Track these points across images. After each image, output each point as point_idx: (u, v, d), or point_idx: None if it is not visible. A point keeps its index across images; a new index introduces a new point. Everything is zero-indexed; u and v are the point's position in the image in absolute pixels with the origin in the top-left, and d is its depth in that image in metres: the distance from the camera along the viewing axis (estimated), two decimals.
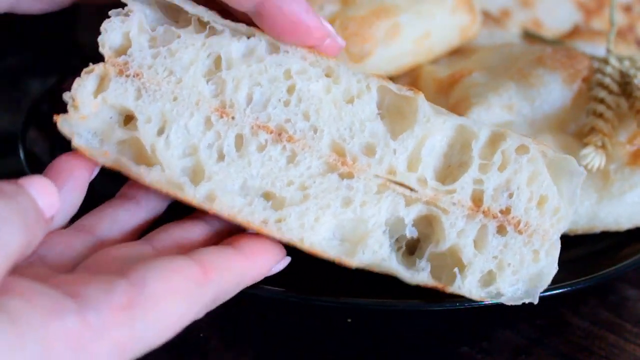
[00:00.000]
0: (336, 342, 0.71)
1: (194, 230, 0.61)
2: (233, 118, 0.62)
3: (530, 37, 0.96)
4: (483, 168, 0.63)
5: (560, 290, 0.67)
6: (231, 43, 0.63)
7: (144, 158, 0.60)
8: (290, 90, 0.63)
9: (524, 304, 0.62)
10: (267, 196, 0.61)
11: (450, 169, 0.64)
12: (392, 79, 0.83)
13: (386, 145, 0.63)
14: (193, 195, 0.59)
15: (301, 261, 0.62)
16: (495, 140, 0.64)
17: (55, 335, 0.44)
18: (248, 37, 0.64)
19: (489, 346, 0.70)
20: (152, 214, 0.63)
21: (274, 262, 0.61)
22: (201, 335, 0.70)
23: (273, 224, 0.60)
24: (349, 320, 0.72)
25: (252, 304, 0.73)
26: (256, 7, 0.61)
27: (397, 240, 0.64)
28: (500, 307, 0.63)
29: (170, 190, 0.59)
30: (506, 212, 0.63)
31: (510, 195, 0.63)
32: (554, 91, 0.79)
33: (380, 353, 0.70)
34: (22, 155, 0.78)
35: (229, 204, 0.59)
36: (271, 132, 0.62)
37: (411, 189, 0.63)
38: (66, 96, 0.60)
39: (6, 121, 1.05)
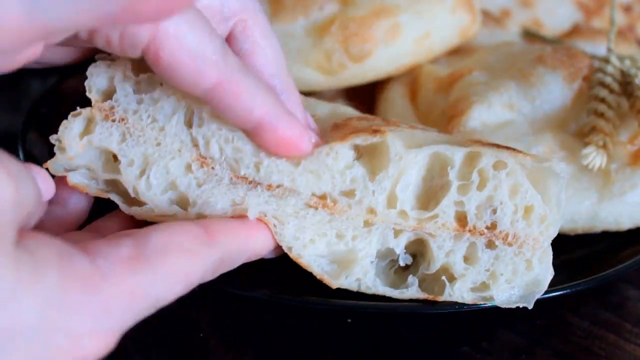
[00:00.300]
0: (336, 343, 0.71)
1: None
2: (213, 168, 0.62)
3: (530, 36, 0.96)
4: (462, 189, 0.63)
5: (560, 292, 0.66)
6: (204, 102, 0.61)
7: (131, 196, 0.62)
8: (257, 166, 0.62)
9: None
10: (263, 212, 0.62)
11: (433, 191, 0.64)
12: (391, 78, 0.86)
13: (365, 188, 0.62)
14: (186, 217, 0.60)
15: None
16: (472, 158, 0.63)
17: (69, 273, 0.46)
18: None
19: (489, 346, 0.70)
20: None
21: (274, 243, 0.61)
22: (201, 335, 0.70)
23: (271, 217, 0.61)
24: (349, 320, 0.72)
25: (252, 305, 0.73)
26: (207, 94, 0.58)
27: (390, 261, 0.64)
28: (500, 307, 0.63)
29: (163, 219, 0.60)
30: (492, 227, 0.63)
31: (494, 211, 0.62)
32: (555, 90, 0.79)
33: (380, 353, 0.70)
34: (21, 155, 0.78)
35: (222, 213, 0.61)
36: (250, 182, 0.62)
37: (395, 223, 0.63)
38: (53, 139, 0.61)
39: (6, 121, 1.05)
